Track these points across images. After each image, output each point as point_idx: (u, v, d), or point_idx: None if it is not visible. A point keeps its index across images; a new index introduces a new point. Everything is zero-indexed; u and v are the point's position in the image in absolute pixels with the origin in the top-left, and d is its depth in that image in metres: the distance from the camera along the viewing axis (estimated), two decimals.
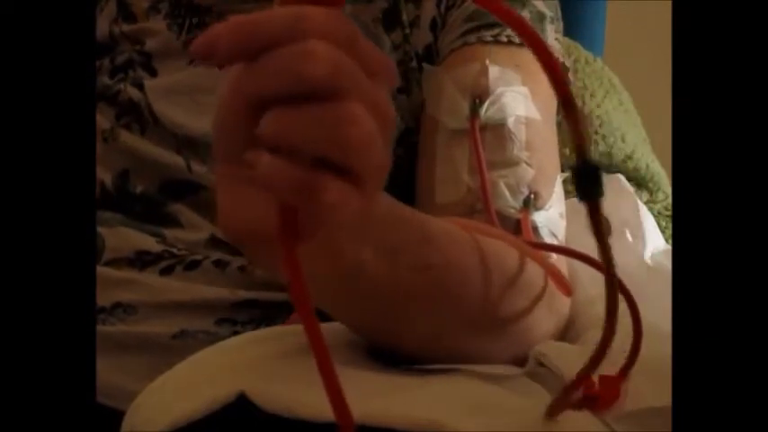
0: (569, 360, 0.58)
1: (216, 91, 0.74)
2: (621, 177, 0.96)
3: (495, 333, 0.60)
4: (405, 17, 0.80)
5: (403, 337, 0.55)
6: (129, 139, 0.77)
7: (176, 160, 0.76)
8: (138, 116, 0.77)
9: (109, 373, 0.69)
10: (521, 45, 0.75)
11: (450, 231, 0.57)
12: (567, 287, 0.65)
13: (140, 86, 0.78)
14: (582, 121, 0.38)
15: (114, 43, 0.80)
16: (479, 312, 0.58)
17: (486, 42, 0.75)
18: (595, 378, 0.52)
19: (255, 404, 0.48)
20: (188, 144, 0.77)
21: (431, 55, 0.79)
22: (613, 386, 0.51)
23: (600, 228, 0.39)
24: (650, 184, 1.10)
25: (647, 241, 0.84)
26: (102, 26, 0.80)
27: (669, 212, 1.07)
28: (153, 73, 0.79)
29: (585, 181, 0.38)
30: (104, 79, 0.78)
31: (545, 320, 0.64)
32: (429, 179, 0.74)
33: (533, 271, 0.62)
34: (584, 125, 0.39)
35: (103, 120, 0.77)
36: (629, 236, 0.82)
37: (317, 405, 0.48)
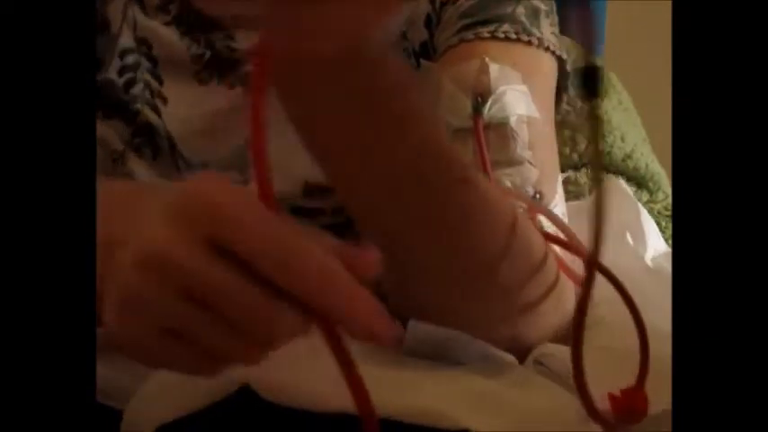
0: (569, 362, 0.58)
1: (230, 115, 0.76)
2: (622, 182, 0.96)
3: (497, 302, 0.61)
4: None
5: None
6: (135, 165, 0.76)
7: None
8: (151, 139, 0.77)
9: (113, 373, 0.69)
10: (517, 41, 0.74)
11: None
12: (575, 277, 0.65)
13: (158, 112, 0.77)
14: (591, 20, 0.40)
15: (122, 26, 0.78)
16: (489, 273, 0.59)
17: (484, 39, 0.75)
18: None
19: (258, 394, 0.48)
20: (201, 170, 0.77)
21: (427, 52, 0.79)
22: (639, 398, 0.51)
23: (596, 126, 0.41)
24: (650, 184, 1.10)
25: (648, 244, 0.84)
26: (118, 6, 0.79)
27: (669, 212, 1.07)
28: (159, 81, 0.78)
29: (589, 79, 0.39)
30: (118, 83, 0.77)
31: (552, 312, 0.64)
32: None
33: (550, 258, 0.63)
34: (592, 23, 0.41)
35: (116, 140, 0.77)
36: (629, 238, 0.82)
37: (319, 394, 0.48)
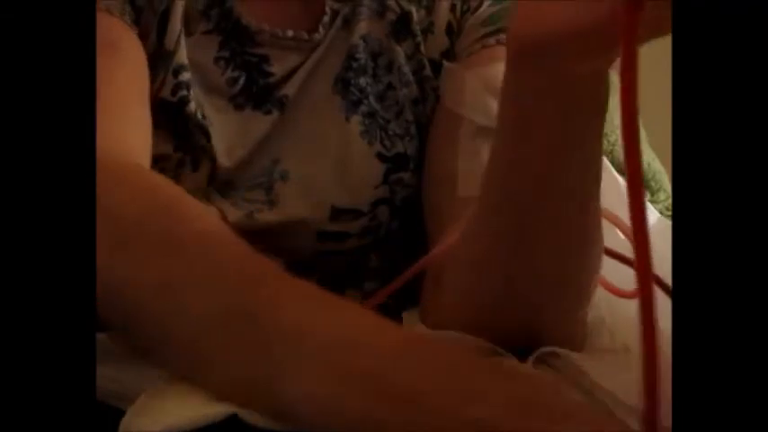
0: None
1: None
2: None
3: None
4: (415, 25, 0.80)
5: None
6: None
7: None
8: (193, 159, 0.77)
9: (114, 373, 0.69)
10: None
11: None
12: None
13: (207, 135, 0.77)
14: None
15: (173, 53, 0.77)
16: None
17: (504, 44, 0.76)
18: None
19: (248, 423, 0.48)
20: (225, 184, 0.77)
21: (447, 60, 0.79)
22: None
23: None
24: (652, 183, 1.10)
25: None
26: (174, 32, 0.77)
27: (670, 212, 1.07)
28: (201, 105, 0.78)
29: None
30: (171, 101, 0.76)
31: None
32: (448, 171, 0.74)
33: None
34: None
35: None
36: (618, 232, 0.82)
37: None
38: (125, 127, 0.66)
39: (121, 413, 0.55)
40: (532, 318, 0.62)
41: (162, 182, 0.60)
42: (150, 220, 0.54)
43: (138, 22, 0.75)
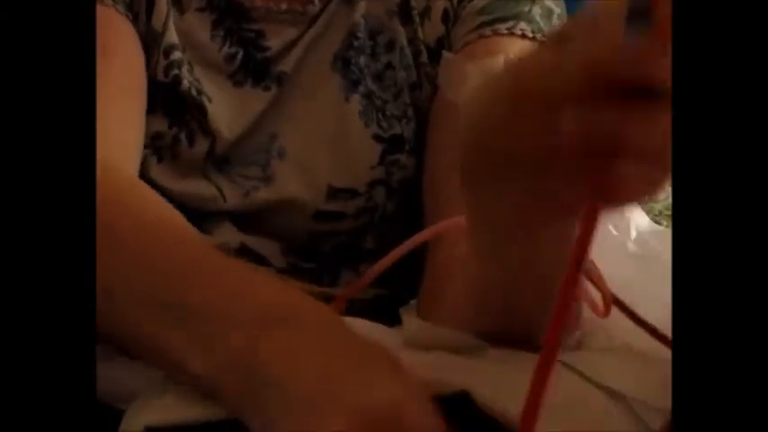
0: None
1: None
2: None
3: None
4: (414, 11, 0.81)
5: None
6: (155, 173, 0.77)
7: (209, 191, 0.77)
8: (191, 135, 0.77)
9: (115, 373, 0.69)
10: (533, 39, 0.76)
11: None
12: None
13: (204, 111, 0.77)
14: None
15: (162, 34, 0.78)
16: None
17: (502, 35, 0.76)
18: None
19: None
20: (222, 160, 0.77)
21: (443, 48, 0.80)
22: None
23: None
24: None
25: (631, 225, 0.84)
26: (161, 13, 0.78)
27: (669, 212, 1.06)
28: (198, 82, 0.78)
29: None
30: (164, 82, 0.77)
31: None
32: (448, 161, 0.74)
33: None
34: None
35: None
36: (611, 228, 0.83)
37: None
38: (104, 126, 0.68)
39: (121, 413, 0.55)
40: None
41: (113, 176, 0.62)
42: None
43: (131, 6, 0.76)
